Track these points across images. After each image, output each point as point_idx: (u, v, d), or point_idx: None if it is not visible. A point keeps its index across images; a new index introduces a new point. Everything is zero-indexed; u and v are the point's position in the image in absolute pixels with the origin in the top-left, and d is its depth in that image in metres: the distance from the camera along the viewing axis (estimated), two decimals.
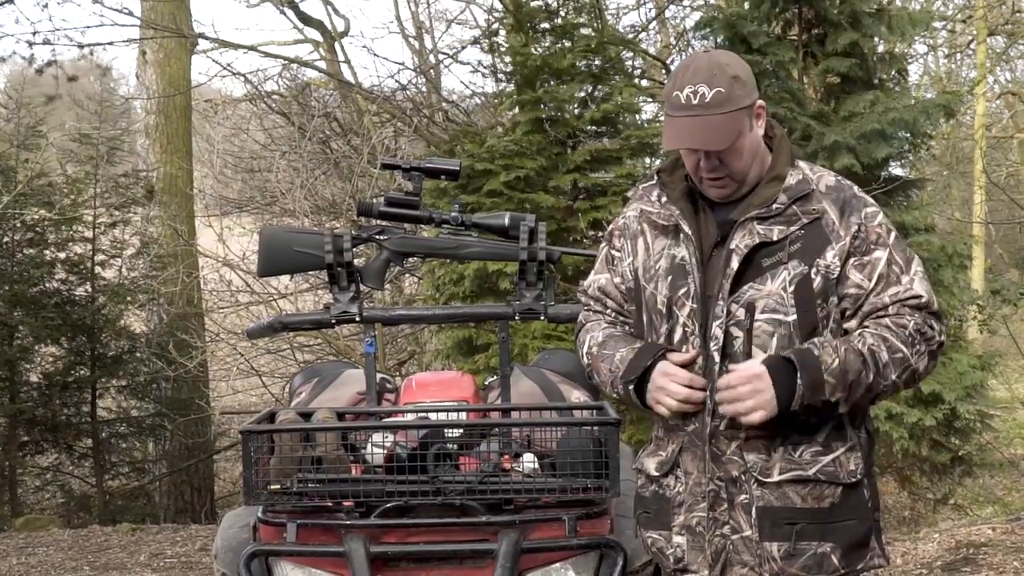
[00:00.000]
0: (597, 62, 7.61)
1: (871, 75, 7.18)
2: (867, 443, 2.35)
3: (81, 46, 11.14)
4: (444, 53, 12.18)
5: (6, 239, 10.04)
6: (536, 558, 2.58)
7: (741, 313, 2.26)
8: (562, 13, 7.79)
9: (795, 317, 2.25)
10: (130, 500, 10.61)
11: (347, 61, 16.24)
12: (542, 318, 3.04)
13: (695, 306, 2.29)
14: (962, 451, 7.35)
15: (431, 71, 11.59)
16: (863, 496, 2.30)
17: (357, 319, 3.01)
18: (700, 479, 2.30)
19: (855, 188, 2.36)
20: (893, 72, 7.52)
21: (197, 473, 10.87)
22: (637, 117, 8.08)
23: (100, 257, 10.45)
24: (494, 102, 9.43)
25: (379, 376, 3.08)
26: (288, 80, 11.96)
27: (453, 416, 2.80)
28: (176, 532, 7.56)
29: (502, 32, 9.09)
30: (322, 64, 12.92)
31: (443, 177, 3.12)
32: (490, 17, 11.12)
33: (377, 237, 3.06)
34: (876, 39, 7.38)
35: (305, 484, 2.54)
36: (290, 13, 12.91)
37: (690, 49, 10.02)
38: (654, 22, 11.60)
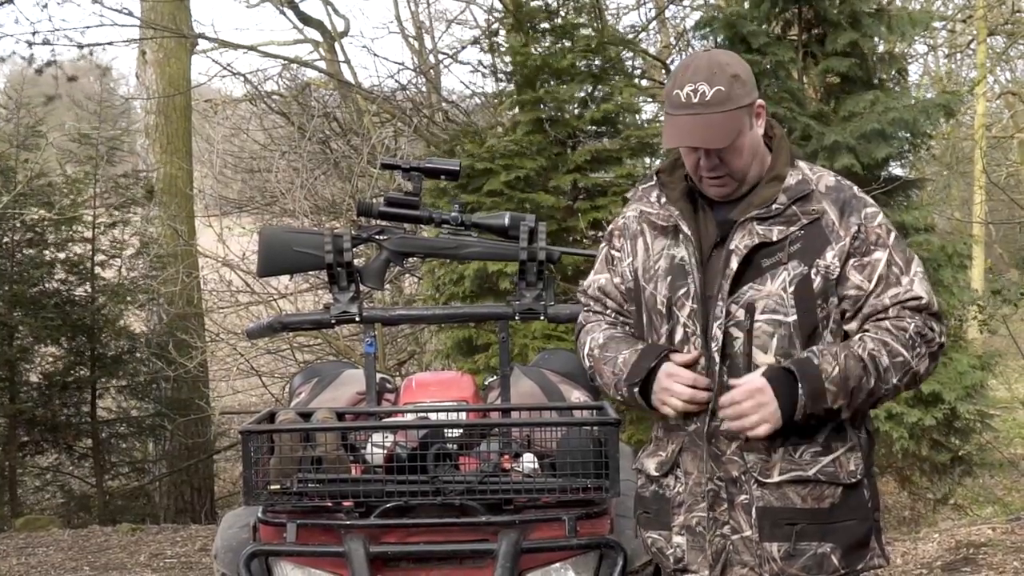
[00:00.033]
0: (597, 62, 7.61)
1: (871, 75, 7.18)
2: (867, 443, 2.35)
3: (81, 46, 11.19)
4: (444, 53, 12.20)
5: (6, 239, 10.03)
6: (536, 558, 2.58)
7: (741, 314, 2.26)
8: (562, 13, 7.79)
9: (795, 318, 2.25)
10: (130, 500, 10.60)
11: (347, 61, 16.26)
12: (542, 318, 3.04)
13: (695, 306, 2.29)
14: (962, 451, 7.35)
15: (431, 71, 11.60)
16: (863, 496, 2.30)
17: (357, 319, 3.01)
18: (700, 479, 2.30)
19: (855, 188, 2.36)
20: (893, 72, 7.52)
21: (197, 473, 10.87)
22: (637, 117, 8.08)
23: (100, 257, 10.45)
24: (494, 102, 9.43)
25: (379, 376, 3.08)
26: (288, 80, 11.99)
27: (453, 416, 2.79)
28: (176, 532, 7.56)
29: (502, 32, 9.09)
30: (322, 64, 12.93)
31: (443, 177, 3.12)
32: (490, 17, 11.12)
33: (377, 237, 3.06)
34: (876, 39, 7.38)
35: (305, 484, 2.54)
36: (290, 13, 12.93)
37: (690, 49, 10.03)
38: (654, 22, 11.61)
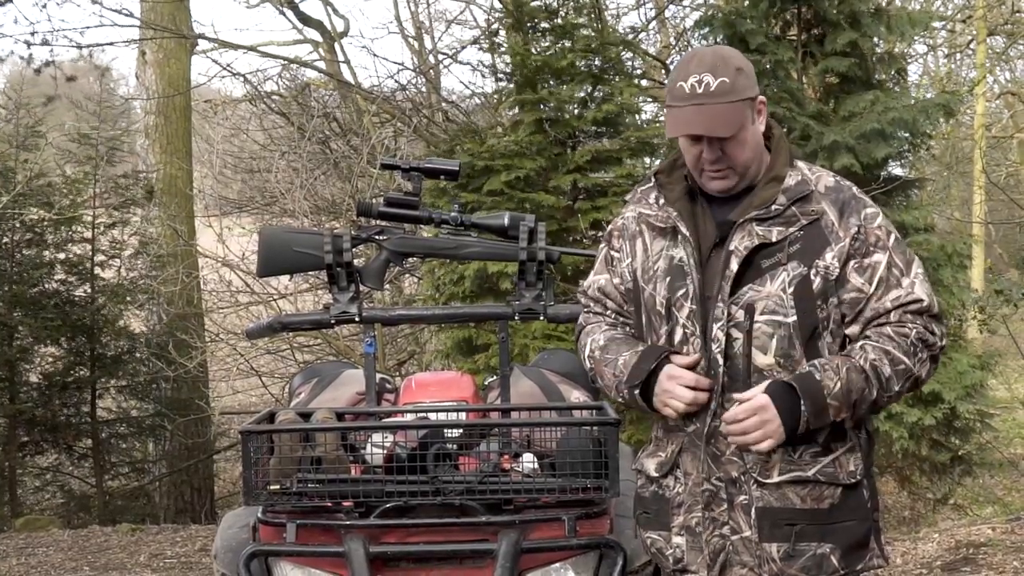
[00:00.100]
0: (597, 62, 7.61)
1: (870, 75, 7.18)
2: (867, 444, 2.35)
3: (80, 47, 11.18)
4: (444, 53, 12.20)
5: (5, 240, 10.03)
6: (536, 558, 2.58)
7: (740, 315, 2.26)
8: (562, 13, 7.79)
9: (795, 318, 2.25)
10: (130, 500, 10.60)
11: (347, 61, 16.25)
12: (541, 318, 3.04)
13: (694, 307, 2.29)
14: (962, 451, 7.35)
15: (431, 71, 11.60)
16: (862, 497, 2.30)
17: (357, 319, 3.01)
18: (699, 480, 2.31)
19: (854, 189, 2.36)
20: (892, 72, 7.52)
21: (197, 473, 10.87)
22: (637, 117, 8.08)
23: (99, 257, 10.45)
24: (494, 102, 9.43)
25: (379, 376, 3.08)
26: (288, 80, 11.98)
27: (453, 416, 2.79)
28: (176, 532, 7.56)
29: (502, 32, 9.08)
30: (322, 64, 12.93)
31: (442, 177, 3.12)
32: (490, 17, 11.12)
33: (376, 237, 3.06)
34: (875, 39, 7.38)
35: (305, 484, 2.54)
36: (290, 13, 12.92)
37: (689, 49, 10.02)
38: (654, 22, 11.61)
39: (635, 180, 6.81)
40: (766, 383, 2.24)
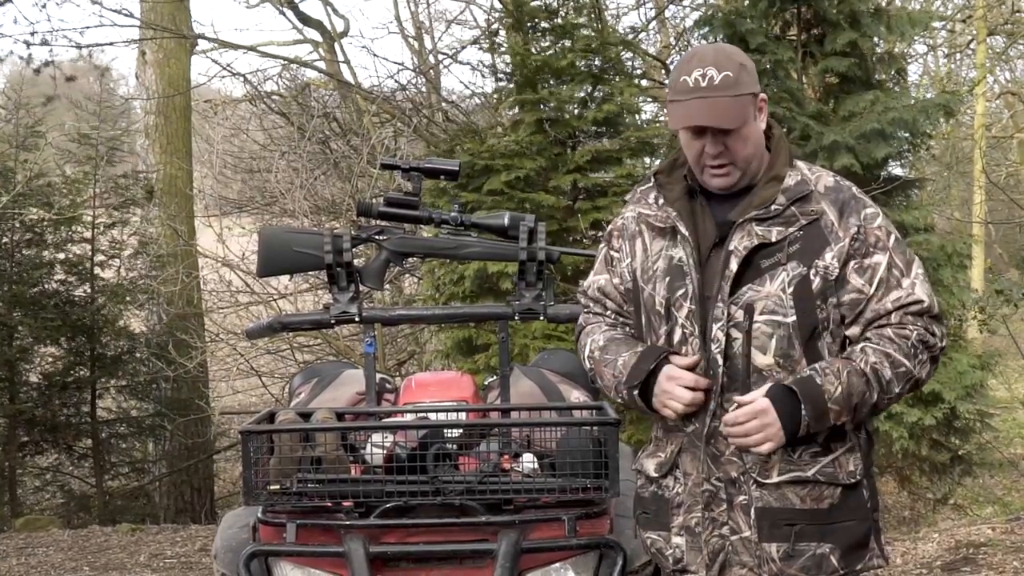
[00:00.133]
0: (597, 62, 7.61)
1: (870, 75, 7.18)
2: (866, 444, 2.35)
3: (80, 47, 11.17)
4: (444, 53, 12.20)
5: (5, 240, 10.03)
6: (536, 558, 2.58)
7: (740, 315, 2.26)
8: (562, 13, 7.79)
9: (794, 318, 2.25)
10: (130, 500, 10.60)
11: (347, 61, 16.25)
12: (541, 318, 3.04)
13: (693, 307, 2.29)
14: (962, 451, 7.35)
15: (431, 71, 11.59)
16: (862, 497, 2.30)
17: (356, 319, 3.01)
18: (699, 480, 2.31)
19: (854, 189, 2.36)
20: (892, 72, 7.52)
21: (197, 473, 10.87)
22: (637, 117, 8.08)
23: (99, 258, 10.45)
24: (494, 102, 9.43)
25: (379, 376, 3.08)
26: (288, 80, 11.98)
27: (453, 416, 2.79)
28: (176, 532, 7.56)
29: (502, 32, 9.08)
30: (322, 64, 12.93)
31: (442, 177, 3.12)
32: (490, 17, 11.12)
33: (376, 237, 3.06)
34: (875, 39, 7.38)
35: (305, 484, 2.54)
36: (290, 14, 12.92)
37: (689, 48, 10.01)
38: (654, 22, 11.60)
39: (635, 180, 6.81)
40: (767, 386, 2.23)
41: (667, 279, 2.34)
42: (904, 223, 6.76)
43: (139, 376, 10.57)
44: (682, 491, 2.34)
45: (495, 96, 9.14)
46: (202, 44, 11.79)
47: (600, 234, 6.83)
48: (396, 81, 11.07)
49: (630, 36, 9.71)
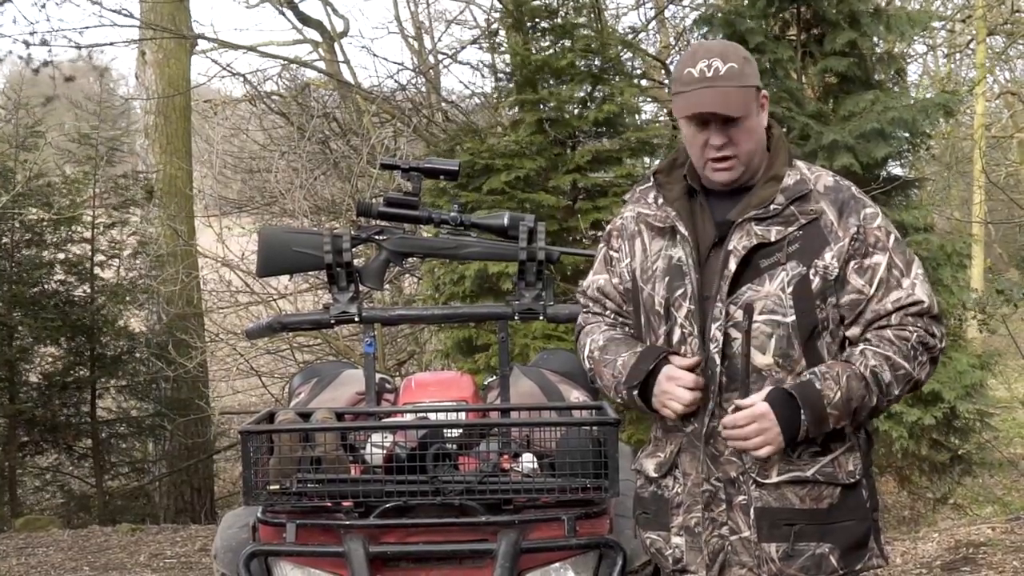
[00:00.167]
0: (597, 62, 7.61)
1: (869, 75, 7.19)
2: (866, 443, 2.35)
3: (79, 47, 11.18)
4: (444, 53, 12.20)
5: (5, 240, 10.04)
6: (535, 558, 2.58)
7: (739, 314, 2.25)
8: (562, 13, 7.79)
9: (794, 318, 2.25)
10: (130, 500, 10.61)
11: (346, 61, 16.24)
12: (541, 318, 3.04)
13: (692, 307, 2.29)
14: (961, 450, 7.36)
15: (431, 71, 11.60)
16: (862, 497, 2.30)
17: (356, 319, 3.01)
18: (698, 480, 2.31)
19: (853, 188, 2.36)
20: (892, 72, 7.53)
21: (197, 473, 10.87)
22: (637, 117, 8.08)
23: (99, 258, 10.45)
24: (494, 102, 9.43)
25: (378, 376, 3.08)
26: (287, 80, 11.98)
27: (452, 416, 2.79)
28: (176, 532, 7.56)
29: (502, 32, 9.08)
30: (321, 64, 12.92)
31: (442, 177, 3.12)
32: (490, 17, 11.12)
33: (376, 237, 3.06)
34: (875, 39, 7.39)
35: (304, 484, 2.54)
36: (289, 14, 12.91)
37: (691, 45, 10.00)
38: (653, 22, 11.60)
39: (635, 180, 6.80)
40: (767, 390, 2.23)
41: (666, 279, 2.33)
42: (904, 223, 6.76)
43: (139, 376, 10.57)
44: (682, 491, 2.34)
45: (495, 96, 9.15)
46: (202, 44, 11.81)
47: (600, 234, 6.83)
48: (396, 81, 11.09)
49: (630, 36, 9.71)
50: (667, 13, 11.73)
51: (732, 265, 2.26)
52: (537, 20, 7.74)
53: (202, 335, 10.17)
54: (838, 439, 2.29)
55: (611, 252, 2.48)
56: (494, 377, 3.28)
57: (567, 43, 7.56)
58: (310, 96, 11.59)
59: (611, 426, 2.59)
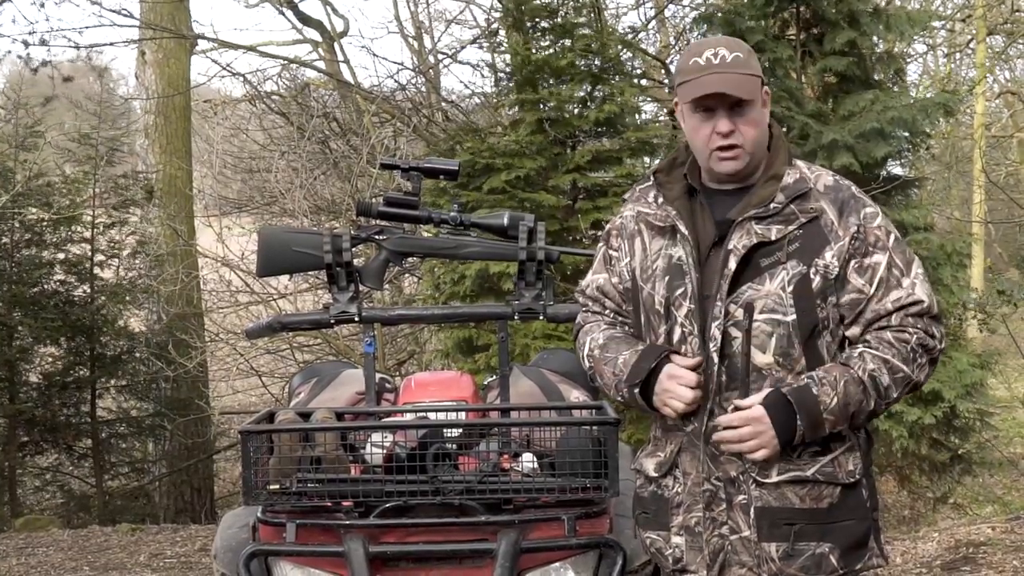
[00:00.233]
0: (597, 62, 7.61)
1: (869, 74, 7.19)
2: (866, 443, 2.35)
3: (79, 47, 11.18)
4: (444, 53, 12.21)
5: (4, 240, 10.04)
6: (535, 558, 2.58)
7: (740, 313, 2.25)
8: (562, 12, 7.79)
9: (794, 317, 2.25)
10: (130, 500, 10.61)
11: (346, 61, 16.23)
12: (541, 318, 3.04)
13: (692, 306, 2.29)
14: (961, 450, 7.36)
15: (430, 71, 11.60)
16: (862, 496, 2.30)
17: (356, 319, 3.00)
18: (698, 479, 2.30)
19: (853, 188, 2.36)
20: (891, 72, 7.53)
21: (197, 473, 10.87)
22: (637, 117, 8.08)
23: (99, 257, 10.46)
24: (494, 102, 9.43)
25: (378, 376, 3.08)
26: (287, 80, 11.98)
27: (452, 416, 2.79)
28: (176, 532, 7.56)
29: (502, 31, 9.08)
30: (321, 64, 12.93)
31: (442, 177, 3.12)
32: (490, 16, 11.12)
33: (376, 237, 3.06)
34: (874, 38, 7.39)
35: (304, 484, 2.54)
36: (289, 13, 12.92)
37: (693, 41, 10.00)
38: (653, 22, 11.61)
39: (635, 180, 6.79)
40: (764, 393, 2.24)
41: (666, 278, 2.33)
42: (904, 222, 6.76)
43: (139, 376, 10.58)
44: (682, 491, 2.33)
45: (495, 96, 9.15)
46: (202, 44, 11.81)
47: (600, 234, 6.83)
48: (396, 81, 11.08)
49: (630, 36, 9.71)
50: (667, 13, 11.74)
51: (732, 264, 2.26)
52: (537, 20, 7.73)
53: (202, 335, 10.18)
54: (838, 439, 2.28)
55: (610, 251, 2.48)
56: (494, 377, 3.28)
57: (567, 43, 7.56)
58: (310, 96, 11.59)
59: (611, 426, 2.59)
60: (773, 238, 2.26)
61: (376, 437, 2.66)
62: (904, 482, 7.55)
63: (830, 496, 2.26)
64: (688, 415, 2.29)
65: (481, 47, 11.34)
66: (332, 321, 3.02)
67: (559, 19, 7.72)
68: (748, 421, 2.22)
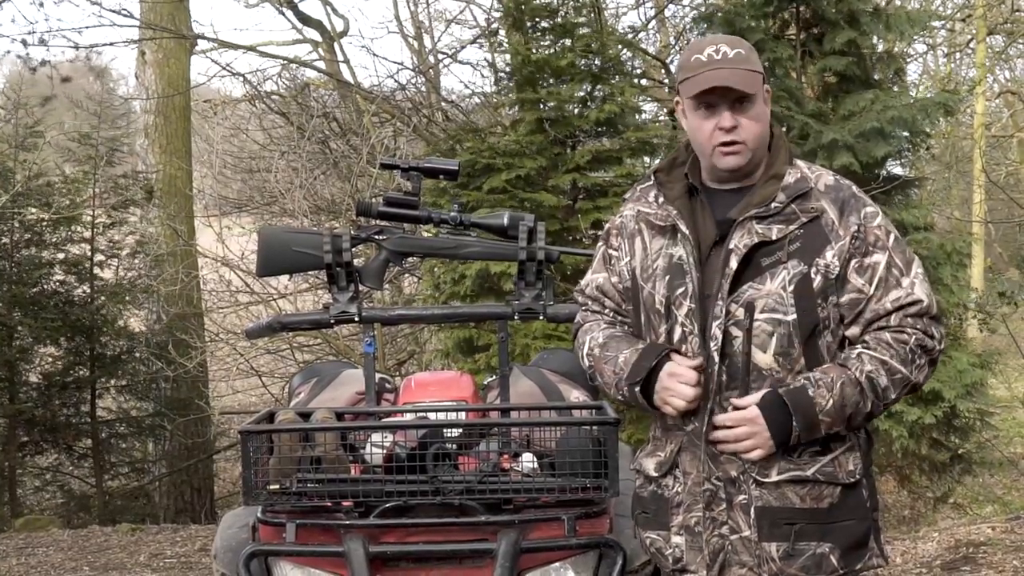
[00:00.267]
0: (597, 62, 7.61)
1: (869, 74, 7.20)
2: (866, 443, 2.35)
3: (79, 47, 11.15)
4: (444, 53, 12.20)
5: (5, 240, 10.04)
6: (535, 558, 2.58)
7: (740, 313, 2.25)
8: (562, 12, 7.79)
9: (794, 317, 2.24)
10: (130, 500, 10.61)
11: (346, 61, 16.22)
12: (541, 318, 3.04)
13: (693, 306, 2.29)
14: (962, 450, 7.36)
15: (430, 71, 11.59)
16: (862, 496, 2.30)
17: (356, 319, 3.00)
18: (699, 479, 2.30)
19: (854, 187, 2.36)
20: (891, 72, 7.54)
21: (197, 473, 10.87)
22: (637, 117, 8.08)
23: (99, 257, 10.46)
24: (494, 102, 9.43)
25: (378, 376, 3.07)
26: (287, 80, 11.98)
27: (452, 416, 2.79)
28: (176, 532, 7.56)
29: (502, 31, 9.08)
30: (321, 64, 12.93)
31: (442, 177, 3.12)
32: (490, 16, 11.12)
33: (376, 237, 3.06)
34: (874, 38, 7.40)
35: (304, 484, 2.54)
36: (289, 13, 12.91)
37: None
38: (653, 22, 11.61)
39: (635, 180, 6.79)
40: (760, 393, 2.24)
41: (667, 277, 2.33)
42: (904, 222, 6.77)
43: (139, 376, 10.58)
44: (682, 490, 2.33)
45: (495, 96, 9.15)
46: (202, 44, 11.81)
47: (600, 233, 6.83)
48: (396, 81, 11.08)
49: (630, 36, 9.72)
50: (667, 13, 11.74)
51: (733, 263, 2.26)
52: (537, 20, 7.74)
53: (202, 335, 10.18)
54: (838, 439, 2.28)
55: (610, 251, 2.48)
56: (494, 377, 3.28)
57: (567, 43, 7.56)
58: (310, 96, 11.59)
59: (611, 426, 2.59)
60: (774, 237, 2.26)
61: (376, 437, 2.66)
62: (904, 482, 7.55)
63: (830, 496, 2.26)
64: (688, 414, 2.29)
65: (481, 47, 11.34)
66: (332, 321, 3.02)
67: (559, 19, 7.72)
68: (743, 421, 2.23)
